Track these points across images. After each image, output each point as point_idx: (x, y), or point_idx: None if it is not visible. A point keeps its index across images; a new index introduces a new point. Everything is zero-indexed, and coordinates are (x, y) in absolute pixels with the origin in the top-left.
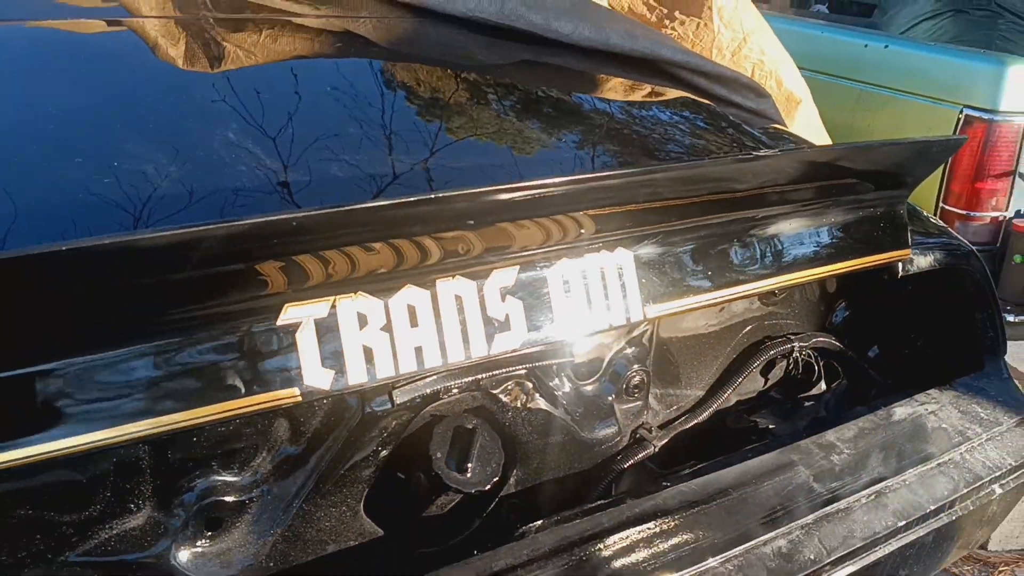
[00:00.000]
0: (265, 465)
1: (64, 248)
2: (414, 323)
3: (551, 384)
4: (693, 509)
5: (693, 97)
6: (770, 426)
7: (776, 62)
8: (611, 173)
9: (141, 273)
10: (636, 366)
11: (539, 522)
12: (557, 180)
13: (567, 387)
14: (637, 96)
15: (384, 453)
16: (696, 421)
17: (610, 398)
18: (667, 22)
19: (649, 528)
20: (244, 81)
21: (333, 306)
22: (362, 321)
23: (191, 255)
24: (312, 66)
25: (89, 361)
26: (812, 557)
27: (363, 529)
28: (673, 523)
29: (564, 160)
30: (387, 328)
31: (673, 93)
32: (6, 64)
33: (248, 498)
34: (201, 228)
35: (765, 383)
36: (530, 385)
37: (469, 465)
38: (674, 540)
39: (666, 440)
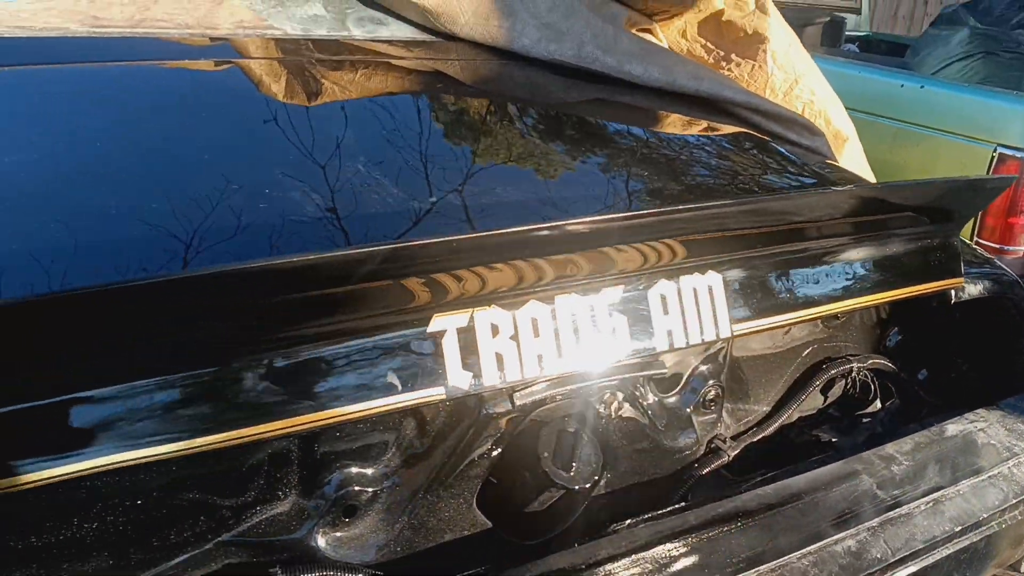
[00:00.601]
0: (395, 460)
1: (279, 262)
2: (536, 334)
3: (639, 395)
4: (771, 511)
5: (759, 135)
6: (832, 440)
7: (825, 102)
8: (705, 204)
9: (318, 286)
10: (712, 381)
11: (632, 519)
12: (660, 210)
13: (652, 398)
14: (707, 133)
15: (497, 451)
16: (764, 434)
17: (689, 410)
18: (724, 64)
19: (732, 527)
20: (360, 116)
21: (471, 317)
22: (494, 331)
23: (360, 270)
24: (414, 103)
25: (274, 360)
26: (879, 556)
27: (475, 520)
28: (753, 523)
29: (657, 191)
30: (514, 337)
31: (737, 130)
32: (166, 99)
33: (380, 489)
34: (372, 248)
35: (824, 400)
36: (622, 395)
37: (574, 464)
38: (755, 538)
39: (738, 450)
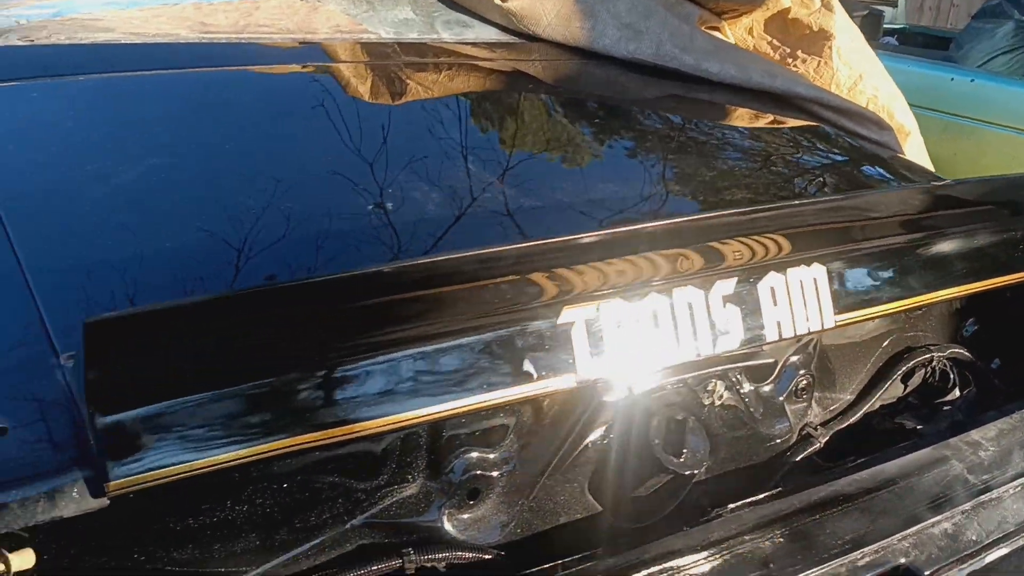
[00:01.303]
0: (515, 446)
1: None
2: (656, 325)
3: (738, 384)
4: (868, 495)
5: (835, 131)
6: (917, 427)
7: (889, 97)
8: (809, 200)
9: (459, 281)
10: (803, 370)
11: (735, 504)
12: (769, 206)
13: (749, 387)
14: (789, 129)
15: (609, 438)
16: (850, 421)
17: (782, 398)
18: (790, 60)
19: (834, 511)
20: (467, 117)
21: (598, 309)
22: (618, 322)
23: (496, 267)
24: (515, 103)
25: (416, 354)
26: (974, 538)
27: (587, 504)
28: (853, 507)
29: (757, 186)
30: (636, 328)
31: (815, 126)
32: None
33: (502, 473)
34: (505, 248)
35: (905, 389)
36: (723, 384)
37: (684, 451)
38: (857, 521)
39: (827, 437)
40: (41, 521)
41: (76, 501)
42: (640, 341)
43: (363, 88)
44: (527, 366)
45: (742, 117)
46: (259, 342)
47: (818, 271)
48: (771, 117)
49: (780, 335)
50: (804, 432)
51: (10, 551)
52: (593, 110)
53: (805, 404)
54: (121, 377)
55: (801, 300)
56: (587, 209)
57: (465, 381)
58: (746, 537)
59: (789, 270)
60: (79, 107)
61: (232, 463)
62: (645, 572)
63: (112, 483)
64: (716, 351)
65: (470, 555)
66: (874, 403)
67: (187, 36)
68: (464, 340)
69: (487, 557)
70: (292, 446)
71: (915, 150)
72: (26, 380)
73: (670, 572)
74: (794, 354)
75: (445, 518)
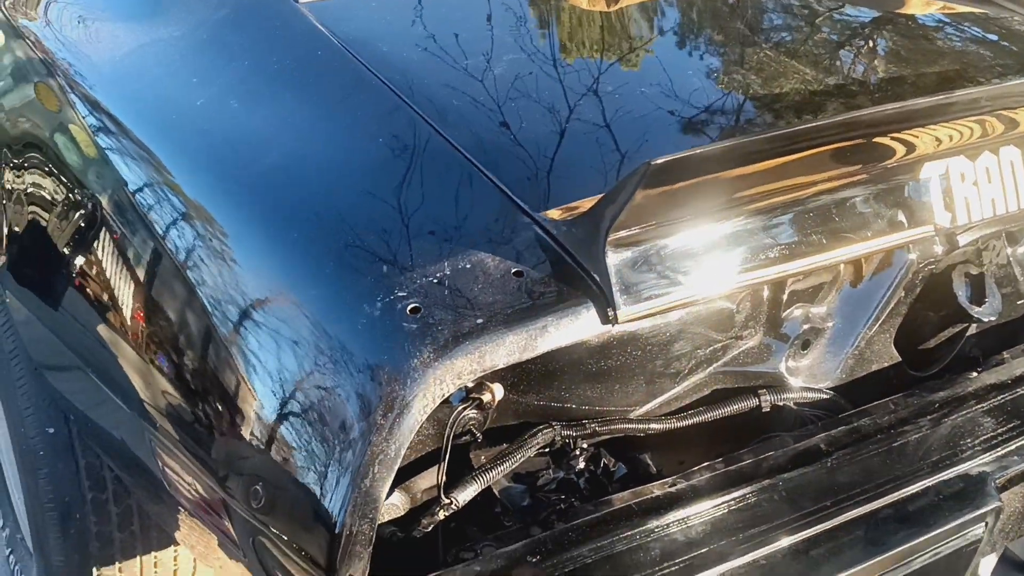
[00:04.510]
0: (838, 301)
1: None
2: (989, 180)
3: (1015, 243)
4: None
5: None
6: None
7: None
8: None
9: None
10: None
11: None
12: None
13: (1018, 248)
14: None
15: (919, 290)
16: None
17: None
18: None
19: None
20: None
21: (946, 167)
22: (961, 178)
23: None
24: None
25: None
26: None
27: (891, 355)
28: None
29: None
30: (973, 185)
31: None
32: None
33: (829, 326)
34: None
35: None
36: (1001, 243)
37: (986, 300)
38: None
39: None
40: (562, 345)
41: (591, 327)
42: (972, 197)
43: None
44: (899, 217)
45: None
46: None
47: None
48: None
49: None
50: None
51: (491, 383)
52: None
53: None
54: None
55: None
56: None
57: (818, 241)
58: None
59: None
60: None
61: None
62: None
63: (624, 311)
64: (1007, 212)
65: (811, 396)
66: None
67: None
68: (826, 198)
69: (824, 397)
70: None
71: None
72: (515, 237)
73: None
74: None
75: (782, 365)
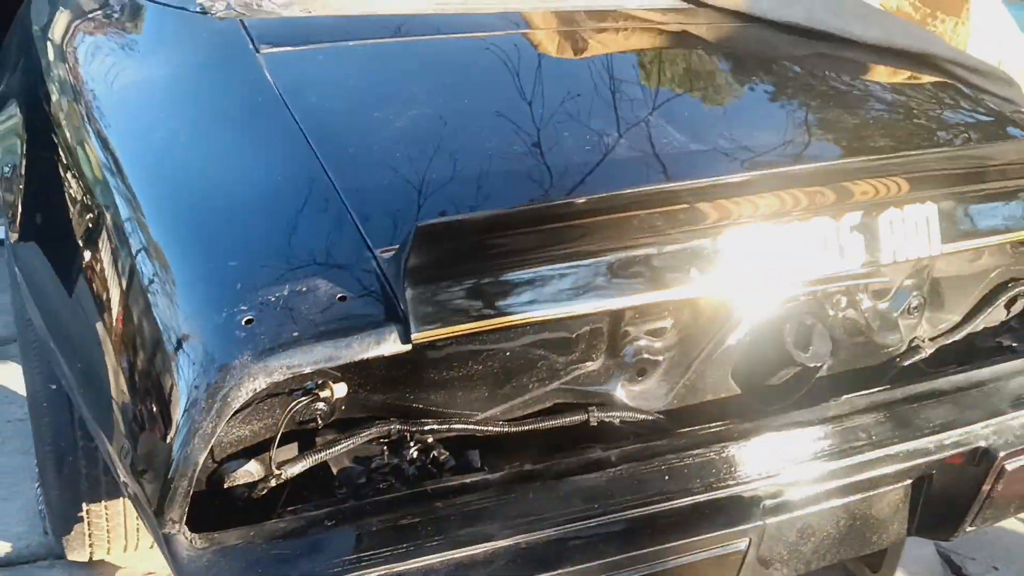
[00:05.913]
0: (676, 336)
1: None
2: (794, 247)
3: (859, 299)
4: (959, 392)
5: (963, 88)
6: (1013, 345)
7: (1020, 55)
8: (927, 150)
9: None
10: (916, 292)
11: (849, 394)
12: (897, 155)
13: (868, 303)
14: (922, 86)
15: (750, 335)
16: (956, 337)
17: (895, 314)
18: (929, 20)
19: (929, 402)
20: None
21: (746, 233)
22: (774, 240)
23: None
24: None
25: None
26: None
27: (729, 387)
28: (946, 400)
29: (891, 135)
30: (784, 247)
31: (947, 83)
32: None
33: (664, 358)
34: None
35: (1007, 314)
36: (846, 298)
37: (811, 347)
38: (947, 411)
39: (933, 349)
40: (364, 358)
41: (390, 345)
42: (787, 259)
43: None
44: (692, 275)
45: (881, 74)
46: (509, 248)
47: (930, 209)
48: (907, 74)
49: (895, 259)
50: (913, 344)
51: (334, 383)
52: (751, 67)
53: (915, 321)
54: (427, 264)
55: (914, 230)
56: (747, 153)
57: (650, 281)
58: (855, 416)
59: (906, 206)
60: (361, 68)
61: (482, 328)
62: (770, 434)
63: (415, 335)
64: (839, 269)
65: (637, 416)
66: (978, 324)
67: (424, 8)
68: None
69: (648, 419)
70: (520, 321)
71: None
72: (353, 268)
73: (790, 438)
74: (909, 278)
75: (619, 388)
